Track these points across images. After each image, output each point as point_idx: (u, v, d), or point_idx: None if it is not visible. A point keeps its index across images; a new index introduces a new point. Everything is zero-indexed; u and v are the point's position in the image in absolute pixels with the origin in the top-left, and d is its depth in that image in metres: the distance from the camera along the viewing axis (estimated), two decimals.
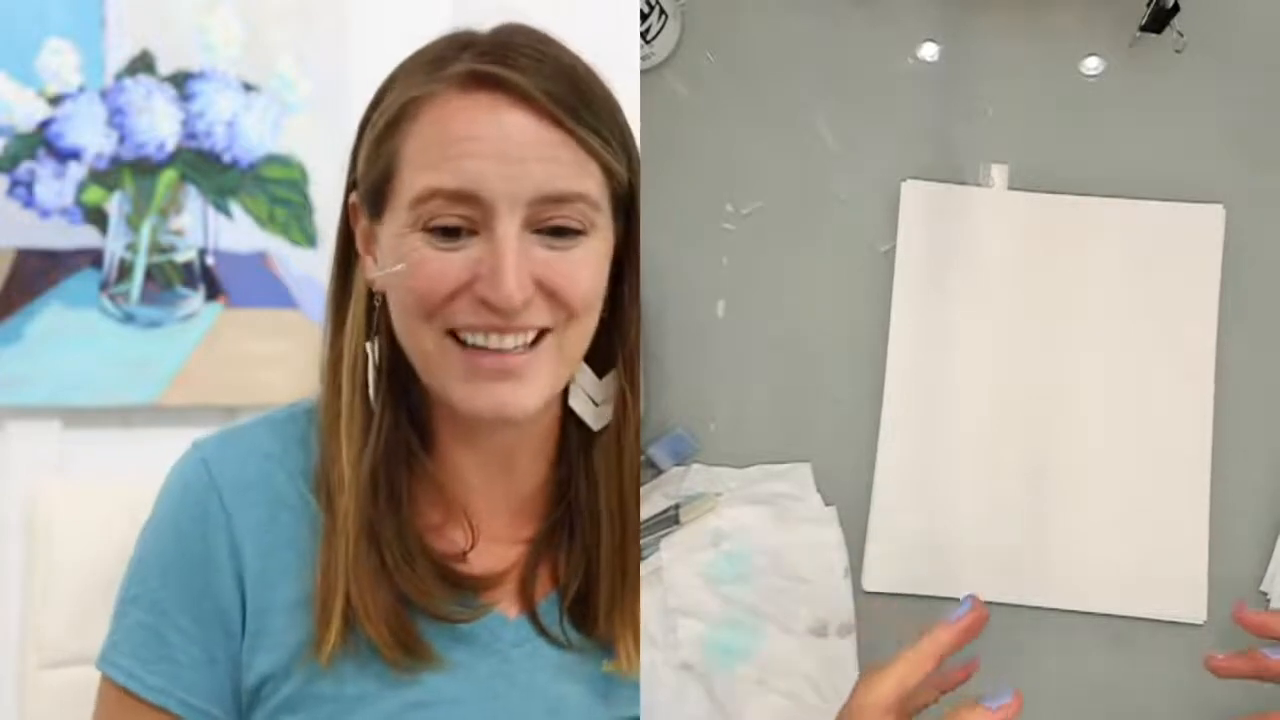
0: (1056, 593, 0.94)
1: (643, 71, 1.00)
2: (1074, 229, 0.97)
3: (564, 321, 0.66)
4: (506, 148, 0.64)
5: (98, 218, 1.11)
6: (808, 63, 1.01)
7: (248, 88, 1.13)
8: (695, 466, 0.98)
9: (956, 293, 0.97)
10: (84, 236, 1.11)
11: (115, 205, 1.11)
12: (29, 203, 1.09)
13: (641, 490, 0.96)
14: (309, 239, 1.15)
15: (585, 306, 0.67)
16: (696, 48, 1.02)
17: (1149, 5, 0.93)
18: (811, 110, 1.01)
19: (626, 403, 0.71)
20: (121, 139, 1.10)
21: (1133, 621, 0.93)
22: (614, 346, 0.71)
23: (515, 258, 0.64)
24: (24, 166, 1.09)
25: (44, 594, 0.93)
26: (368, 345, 0.69)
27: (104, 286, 1.11)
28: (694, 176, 1.01)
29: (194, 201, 1.13)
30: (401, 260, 0.65)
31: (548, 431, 0.72)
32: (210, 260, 1.14)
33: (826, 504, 0.96)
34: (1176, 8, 0.93)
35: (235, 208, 1.14)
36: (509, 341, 0.65)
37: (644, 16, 0.96)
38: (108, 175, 1.11)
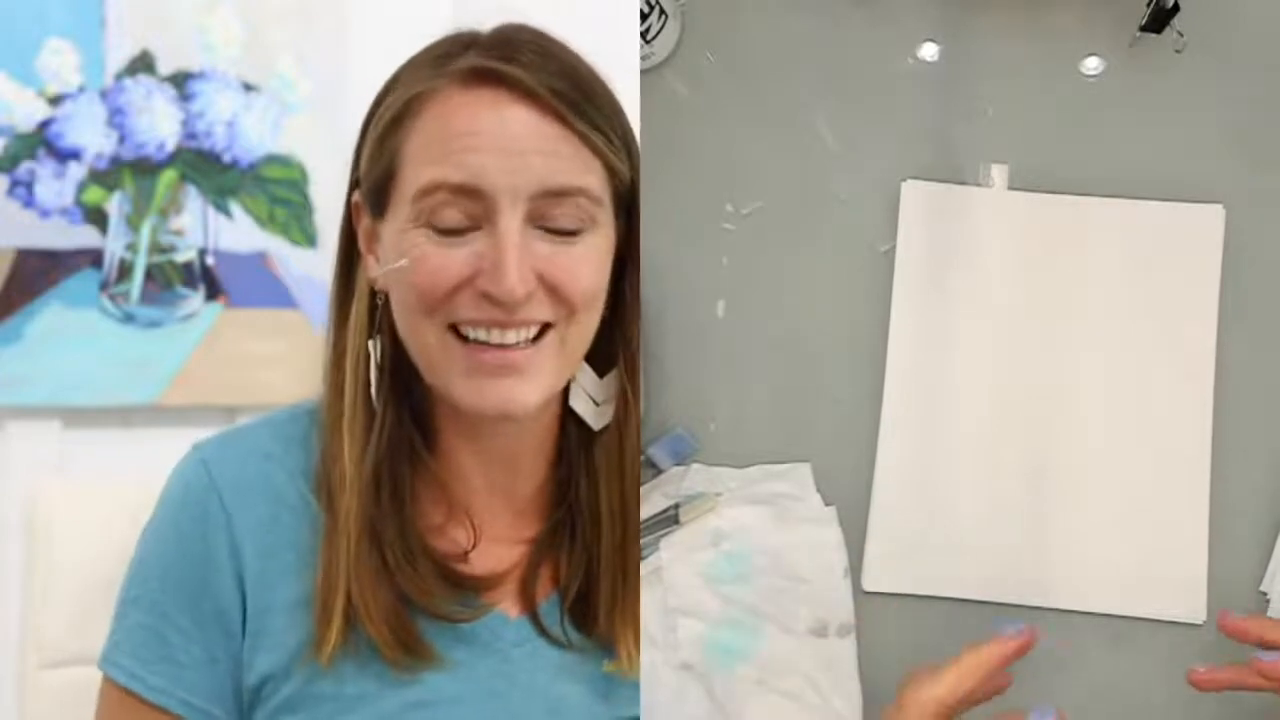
0: (1056, 593, 0.94)
1: (643, 71, 0.99)
2: (1074, 229, 0.97)
3: (565, 317, 0.66)
4: (508, 142, 0.64)
5: (98, 218, 1.11)
6: (808, 63, 1.01)
7: (248, 88, 1.13)
8: (695, 466, 0.98)
9: (956, 293, 0.97)
10: (84, 236, 1.11)
11: (115, 205, 1.11)
12: (29, 203, 1.09)
13: (641, 490, 0.96)
14: (309, 239, 1.15)
15: (586, 302, 0.67)
16: (696, 48, 1.02)
17: (1149, 5, 0.94)
18: (811, 110, 1.01)
19: (627, 402, 0.71)
20: (121, 139, 1.10)
21: (1133, 621, 0.93)
22: (615, 346, 0.72)
23: (517, 251, 0.64)
24: (24, 166, 1.09)
25: (44, 594, 0.92)
26: (370, 344, 0.69)
27: (104, 286, 1.11)
28: (694, 176, 1.00)
29: (194, 201, 1.13)
30: (404, 256, 0.65)
31: (548, 431, 0.72)
32: (210, 260, 1.14)
33: (826, 504, 0.96)
34: (1176, 8, 0.93)
35: (235, 208, 1.14)
36: (511, 337, 0.65)
37: (644, 16, 0.96)
38: (108, 175, 1.10)
